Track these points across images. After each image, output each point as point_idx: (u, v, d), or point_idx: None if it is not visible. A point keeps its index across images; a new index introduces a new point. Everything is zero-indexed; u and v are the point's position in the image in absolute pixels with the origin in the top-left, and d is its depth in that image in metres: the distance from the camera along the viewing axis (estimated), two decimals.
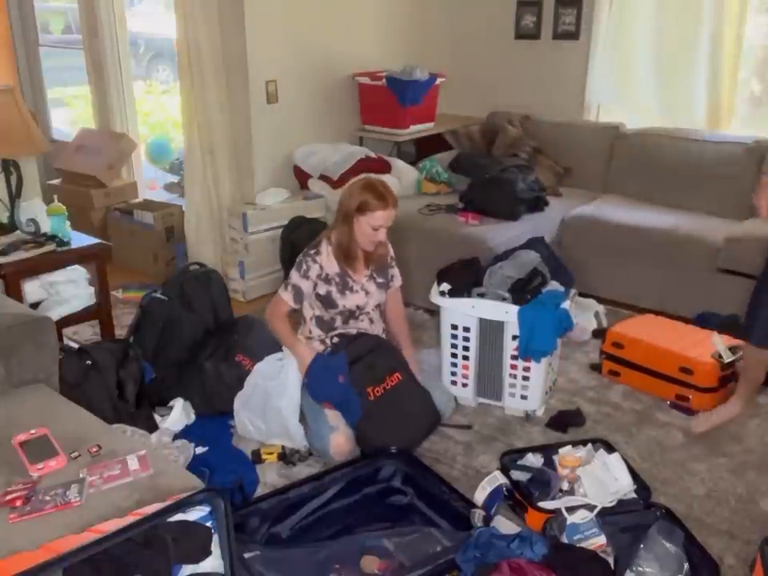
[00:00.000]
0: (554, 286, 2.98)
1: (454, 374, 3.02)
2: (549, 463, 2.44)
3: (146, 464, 1.80)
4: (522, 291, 2.89)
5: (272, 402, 2.71)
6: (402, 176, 4.35)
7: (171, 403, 2.87)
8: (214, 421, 2.88)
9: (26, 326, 2.28)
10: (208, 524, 1.64)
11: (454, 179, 4.35)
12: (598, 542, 2.11)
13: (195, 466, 2.47)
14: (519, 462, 2.49)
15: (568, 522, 2.15)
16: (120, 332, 3.45)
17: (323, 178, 4.24)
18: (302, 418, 2.69)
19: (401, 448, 2.54)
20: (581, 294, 3.48)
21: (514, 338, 2.82)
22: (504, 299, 2.88)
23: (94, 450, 1.86)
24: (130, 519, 1.55)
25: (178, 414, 2.81)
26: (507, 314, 2.80)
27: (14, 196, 3.24)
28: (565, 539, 2.12)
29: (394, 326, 3.00)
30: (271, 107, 4.15)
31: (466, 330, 2.92)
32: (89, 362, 2.68)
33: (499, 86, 4.92)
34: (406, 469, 2.49)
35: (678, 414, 2.97)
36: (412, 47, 4.92)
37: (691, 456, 2.71)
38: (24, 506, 1.64)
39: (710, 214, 3.93)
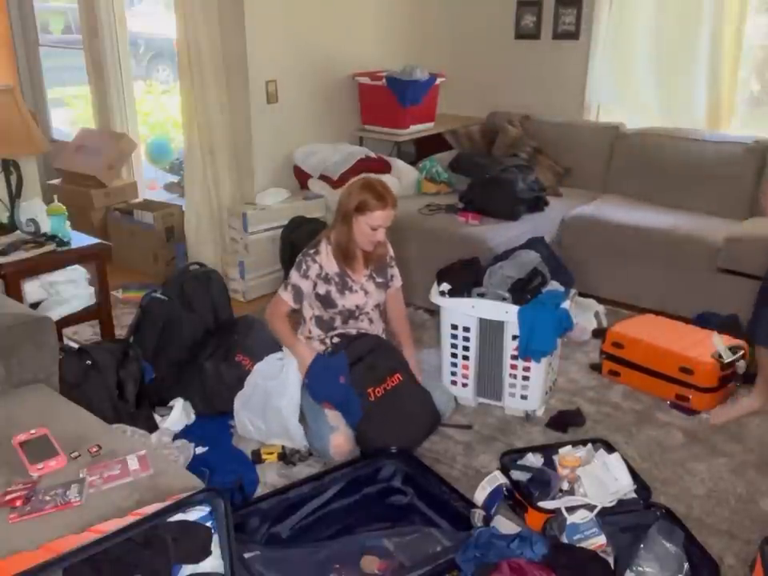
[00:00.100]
0: (554, 285, 2.98)
1: (454, 373, 3.02)
2: (549, 463, 2.44)
3: (146, 464, 1.80)
4: (522, 291, 2.89)
5: (272, 402, 2.71)
6: (401, 176, 4.35)
7: (171, 403, 2.87)
8: (214, 421, 2.88)
9: (26, 326, 2.28)
10: (208, 524, 1.64)
11: (453, 179, 4.34)
12: (597, 541, 2.11)
13: (195, 466, 2.47)
14: (519, 462, 2.49)
15: (568, 522, 2.15)
16: (120, 332, 3.45)
17: (323, 177, 4.24)
18: (302, 418, 2.69)
19: (401, 448, 2.54)
20: (581, 294, 3.48)
21: (514, 337, 2.82)
22: (504, 299, 2.88)
23: (94, 450, 1.86)
24: (130, 519, 1.55)
25: (178, 414, 2.81)
26: (507, 313, 2.80)
27: (14, 196, 3.24)
28: (565, 539, 2.12)
29: (396, 326, 3.00)
30: (271, 107, 4.15)
31: (466, 329, 2.92)
32: (89, 361, 2.68)
33: (499, 86, 4.91)
34: (406, 469, 2.49)
35: (678, 414, 2.97)
36: (412, 47, 4.92)
37: (691, 456, 2.71)
38: (24, 505, 1.64)
39: (710, 213, 3.93)
